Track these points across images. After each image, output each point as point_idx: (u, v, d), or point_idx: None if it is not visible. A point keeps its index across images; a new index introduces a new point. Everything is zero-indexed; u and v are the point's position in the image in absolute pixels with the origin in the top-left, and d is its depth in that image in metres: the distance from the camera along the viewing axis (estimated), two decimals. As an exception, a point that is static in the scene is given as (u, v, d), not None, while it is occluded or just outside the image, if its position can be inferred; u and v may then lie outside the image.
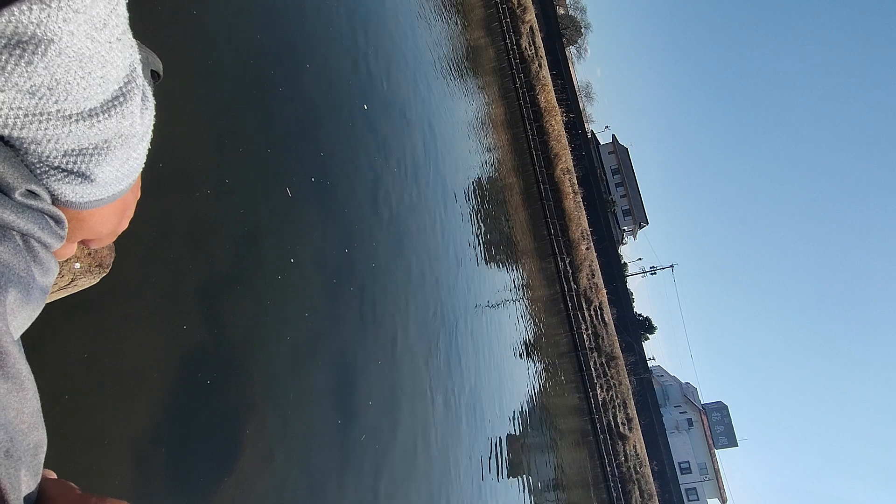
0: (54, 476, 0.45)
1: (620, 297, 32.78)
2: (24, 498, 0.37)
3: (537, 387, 14.15)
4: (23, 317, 0.43)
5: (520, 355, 13.32)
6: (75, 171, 0.43)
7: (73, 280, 1.62)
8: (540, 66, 21.16)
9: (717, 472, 41.35)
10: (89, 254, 1.67)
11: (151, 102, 0.47)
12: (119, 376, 3.29)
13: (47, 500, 0.41)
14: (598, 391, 19.60)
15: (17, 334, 0.42)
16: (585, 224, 22.52)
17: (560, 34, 33.43)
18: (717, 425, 45.03)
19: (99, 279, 1.77)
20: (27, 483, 0.38)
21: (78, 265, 1.64)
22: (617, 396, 21.13)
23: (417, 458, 6.62)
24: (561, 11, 39.37)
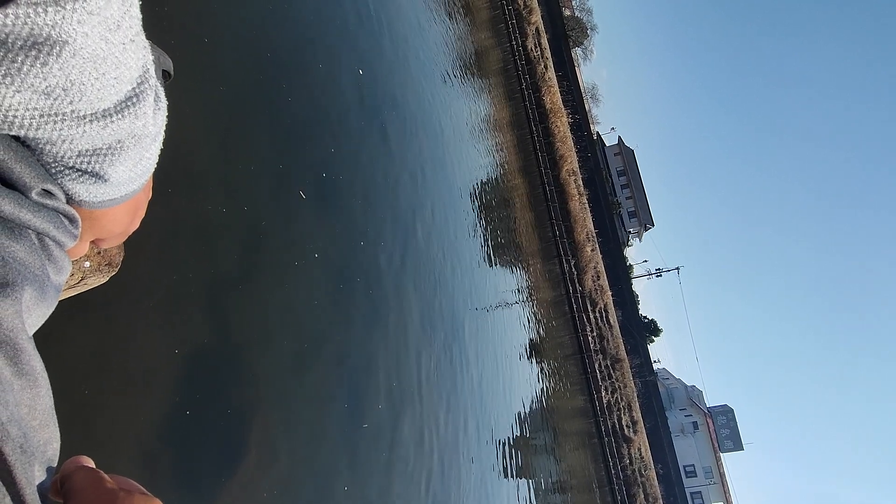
0: (91, 463, 0.45)
1: (626, 299, 32.67)
2: (37, 487, 0.37)
3: (542, 388, 14.11)
4: (37, 314, 0.44)
5: (524, 357, 13.30)
6: (89, 170, 0.44)
7: (83, 278, 1.63)
8: (546, 67, 21.13)
9: (722, 475, 41.08)
10: (99, 253, 1.69)
11: (164, 103, 0.48)
12: (126, 374, 3.31)
13: (73, 491, 0.41)
14: (603, 393, 19.53)
15: (32, 331, 0.43)
16: (591, 226, 22.46)
17: (566, 35, 33.38)
18: (723, 429, 44.73)
19: (108, 278, 1.78)
20: (39, 477, 0.39)
21: (88, 264, 1.65)
22: (622, 399, 21.05)
23: (422, 458, 6.61)
24: (567, 13, 39.32)
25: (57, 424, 0.43)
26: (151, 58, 0.43)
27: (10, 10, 0.30)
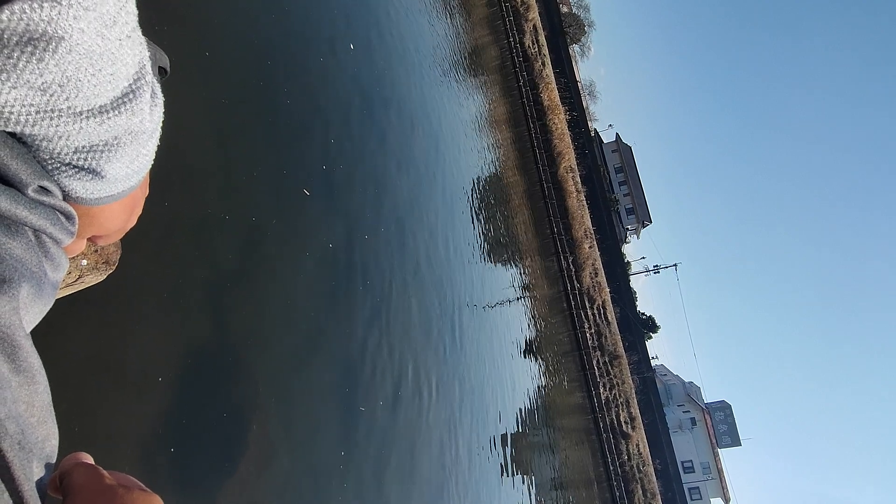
0: (90, 460, 0.45)
1: (623, 295, 32.69)
2: (36, 484, 0.38)
3: (540, 385, 14.15)
4: (34, 311, 0.44)
5: (522, 354, 13.32)
6: (86, 167, 0.44)
7: (80, 277, 1.63)
8: (543, 64, 21.11)
9: (720, 471, 41.27)
10: (96, 251, 1.69)
11: (160, 99, 0.48)
12: (124, 372, 3.31)
13: (73, 487, 0.41)
14: (601, 390, 19.59)
15: (29, 328, 0.43)
16: (588, 223, 22.49)
17: (563, 32, 33.33)
18: (721, 424, 44.92)
19: (105, 276, 1.78)
20: (38, 473, 0.39)
21: (85, 262, 1.65)
22: (620, 395, 21.12)
23: (420, 456, 6.63)
24: (564, 9, 39.24)
25: (55, 421, 0.43)
26: (148, 54, 0.43)
27: (5, 6, 0.30)
